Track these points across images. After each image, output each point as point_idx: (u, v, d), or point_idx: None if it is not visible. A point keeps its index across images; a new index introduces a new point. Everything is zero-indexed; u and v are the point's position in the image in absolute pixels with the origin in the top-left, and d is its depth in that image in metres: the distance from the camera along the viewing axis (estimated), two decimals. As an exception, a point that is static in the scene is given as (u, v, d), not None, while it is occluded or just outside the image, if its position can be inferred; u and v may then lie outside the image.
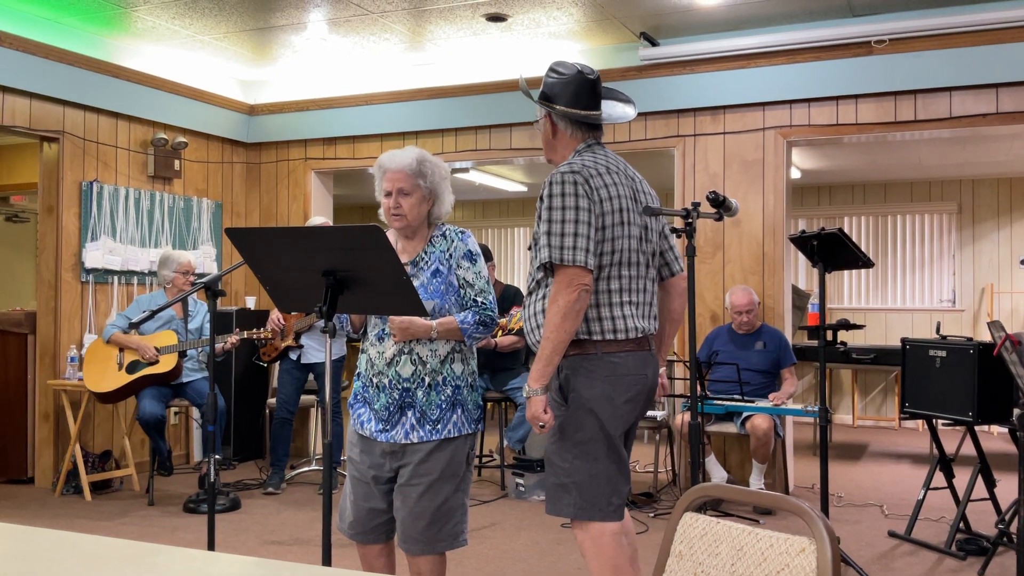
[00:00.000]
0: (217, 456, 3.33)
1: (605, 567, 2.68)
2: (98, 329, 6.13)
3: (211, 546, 3.21)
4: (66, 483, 5.73)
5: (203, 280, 3.17)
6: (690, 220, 2.95)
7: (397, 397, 2.73)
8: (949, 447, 5.89)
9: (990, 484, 4.58)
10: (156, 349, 5.36)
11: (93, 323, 6.16)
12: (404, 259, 2.80)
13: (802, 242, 4.06)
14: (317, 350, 5.77)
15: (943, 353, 4.52)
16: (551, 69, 2.85)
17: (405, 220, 2.76)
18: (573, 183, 2.62)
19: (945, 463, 4.69)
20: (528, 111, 6.38)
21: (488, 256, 6.00)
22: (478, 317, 2.77)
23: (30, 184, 7.71)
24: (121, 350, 5.43)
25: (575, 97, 2.80)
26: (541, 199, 2.68)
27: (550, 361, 2.59)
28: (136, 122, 6.52)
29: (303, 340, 5.76)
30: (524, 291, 2.88)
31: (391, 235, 2.85)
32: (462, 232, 2.86)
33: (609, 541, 2.68)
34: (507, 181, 9.70)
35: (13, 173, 8.30)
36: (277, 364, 6.03)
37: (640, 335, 2.71)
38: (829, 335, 4.42)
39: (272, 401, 6.28)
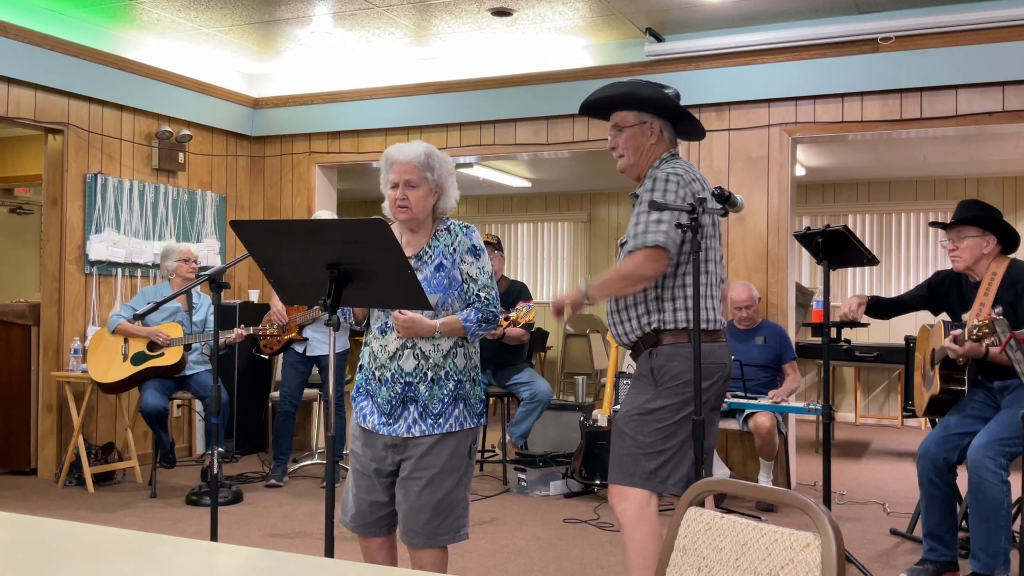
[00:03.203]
0: (220, 449, 3.33)
1: (647, 536, 2.87)
2: (102, 321, 6.13)
3: (214, 538, 3.22)
4: (69, 474, 5.74)
5: (207, 273, 3.17)
6: (695, 216, 2.94)
7: (400, 391, 2.74)
8: (952, 445, 5.87)
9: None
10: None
11: (97, 315, 6.16)
12: (408, 253, 2.80)
13: (807, 239, 4.05)
14: (322, 343, 5.77)
15: (947, 351, 4.49)
16: (652, 84, 3.03)
17: (411, 212, 2.76)
18: (676, 182, 2.88)
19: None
20: (531, 107, 6.36)
21: (499, 247, 6.00)
22: (480, 315, 2.78)
23: (34, 176, 7.72)
24: (125, 341, 5.44)
25: (675, 115, 3.04)
26: (644, 194, 2.89)
27: (610, 292, 2.95)
28: (141, 114, 6.53)
29: (309, 333, 5.76)
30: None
31: (395, 229, 2.85)
32: (466, 227, 2.86)
33: (653, 512, 2.90)
34: (511, 176, 9.69)
35: (18, 165, 8.30)
36: (280, 357, 6.04)
37: (719, 327, 3.01)
38: (833, 332, 4.39)
39: (275, 394, 6.29)
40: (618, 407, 3.08)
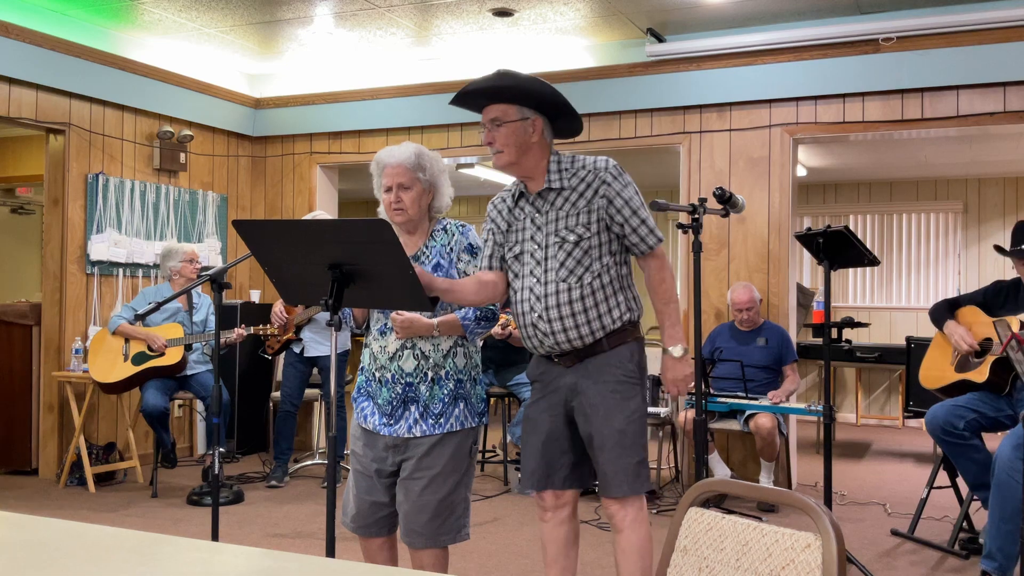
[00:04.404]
0: (221, 449, 3.33)
1: (648, 536, 2.86)
2: (103, 321, 6.14)
3: (215, 538, 3.22)
4: (70, 474, 5.75)
5: (209, 272, 3.17)
6: (697, 216, 2.94)
7: (400, 391, 2.74)
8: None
9: (994, 483, 4.58)
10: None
11: (98, 315, 6.17)
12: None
13: (808, 240, 4.05)
14: (320, 344, 5.77)
15: (948, 352, 4.51)
16: (535, 78, 2.78)
17: (406, 214, 2.77)
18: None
19: (948, 462, 4.68)
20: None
21: None
22: (479, 313, 2.78)
23: (36, 176, 7.72)
24: (127, 341, 5.44)
25: (555, 111, 2.84)
26: (613, 183, 2.78)
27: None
28: (142, 115, 6.53)
29: (307, 333, 5.76)
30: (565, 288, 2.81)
31: (392, 230, 2.85)
32: (463, 226, 2.87)
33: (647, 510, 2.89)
34: (512, 177, 9.67)
35: (19, 165, 8.31)
36: (282, 357, 6.05)
37: None
38: (834, 333, 4.44)
39: (276, 395, 6.29)
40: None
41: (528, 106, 2.79)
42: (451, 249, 2.81)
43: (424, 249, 2.81)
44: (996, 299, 4.25)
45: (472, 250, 2.84)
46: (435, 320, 2.72)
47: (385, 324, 2.78)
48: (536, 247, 2.83)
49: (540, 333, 2.82)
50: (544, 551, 3.01)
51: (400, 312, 2.69)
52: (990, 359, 4.08)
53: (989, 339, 4.15)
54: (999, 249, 4.19)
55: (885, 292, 9.60)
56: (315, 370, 5.95)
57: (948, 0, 5.25)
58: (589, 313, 2.79)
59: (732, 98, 5.85)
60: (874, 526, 4.97)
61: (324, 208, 7.18)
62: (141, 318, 4.01)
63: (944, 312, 4.37)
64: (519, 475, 5.66)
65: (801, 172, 8.67)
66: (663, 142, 6.10)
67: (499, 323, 5.69)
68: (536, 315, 2.82)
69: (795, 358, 5.52)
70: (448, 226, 2.86)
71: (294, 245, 2.48)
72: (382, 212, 2.84)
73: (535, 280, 2.82)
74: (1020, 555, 3.66)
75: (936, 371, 4.38)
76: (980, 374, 4.11)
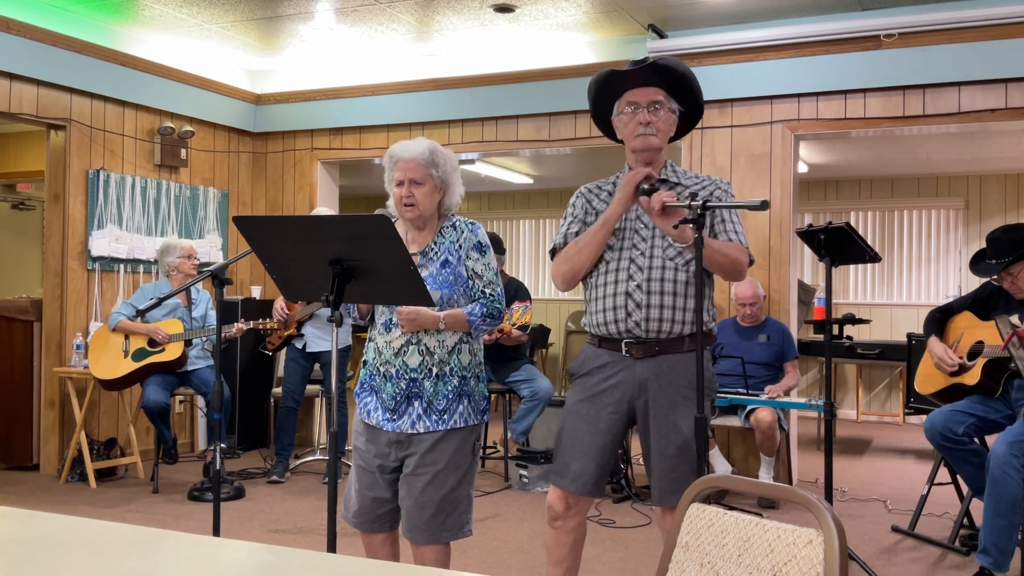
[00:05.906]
0: (222, 444, 3.33)
1: None
2: (104, 317, 6.14)
3: (216, 534, 3.22)
4: (71, 470, 5.75)
5: (210, 268, 3.17)
6: (702, 215, 2.93)
7: (404, 387, 2.74)
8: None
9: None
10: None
11: (99, 311, 6.17)
12: (414, 249, 2.80)
13: (809, 236, 4.05)
14: (322, 339, 5.77)
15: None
16: (698, 86, 2.91)
17: (417, 210, 2.76)
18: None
19: (949, 459, 4.69)
20: (533, 103, 6.35)
21: (501, 249, 5.98)
22: (485, 310, 2.77)
23: (37, 172, 7.71)
24: (127, 337, 5.44)
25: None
26: (725, 199, 2.87)
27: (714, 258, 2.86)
28: (143, 110, 6.53)
29: (308, 328, 5.76)
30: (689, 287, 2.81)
31: (400, 226, 2.85)
32: (472, 223, 2.86)
33: None
34: (513, 173, 9.68)
35: (20, 161, 8.30)
36: (283, 353, 6.05)
37: None
38: (835, 329, 4.45)
39: (277, 390, 6.29)
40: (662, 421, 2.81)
41: (678, 101, 2.91)
42: (460, 246, 2.81)
43: (433, 245, 2.81)
44: (988, 301, 4.24)
45: (481, 247, 2.82)
46: (441, 314, 2.72)
47: (390, 319, 2.77)
48: (642, 225, 2.84)
49: (632, 304, 2.76)
50: (549, 552, 2.91)
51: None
52: (981, 361, 4.08)
53: (980, 342, 4.14)
54: (976, 270, 4.21)
55: (886, 289, 9.60)
56: (316, 366, 5.96)
57: (950, -4, 5.25)
58: (688, 301, 2.77)
59: (733, 94, 5.84)
60: (874, 522, 4.97)
61: (325, 204, 7.18)
62: (142, 314, 4.01)
63: (932, 326, 4.35)
64: (520, 472, 5.69)
65: (802, 168, 8.66)
66: (664, 138, 6.08)
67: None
68: (635, 284, 2.78)
69: (796, 355, 5.52)
70: (457, 223, 2.85)
71: (294, 241, 2.48)
72: (391, 206, 2.84)
73: (638, 252, 2.81)
74: (1020, 549, 3.66)
75: (930, 376, 4.37)
76: (972, 376, 4.11)
